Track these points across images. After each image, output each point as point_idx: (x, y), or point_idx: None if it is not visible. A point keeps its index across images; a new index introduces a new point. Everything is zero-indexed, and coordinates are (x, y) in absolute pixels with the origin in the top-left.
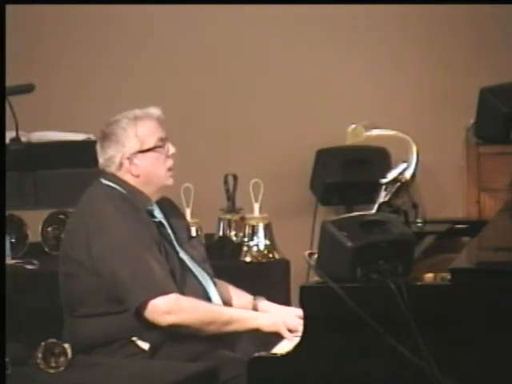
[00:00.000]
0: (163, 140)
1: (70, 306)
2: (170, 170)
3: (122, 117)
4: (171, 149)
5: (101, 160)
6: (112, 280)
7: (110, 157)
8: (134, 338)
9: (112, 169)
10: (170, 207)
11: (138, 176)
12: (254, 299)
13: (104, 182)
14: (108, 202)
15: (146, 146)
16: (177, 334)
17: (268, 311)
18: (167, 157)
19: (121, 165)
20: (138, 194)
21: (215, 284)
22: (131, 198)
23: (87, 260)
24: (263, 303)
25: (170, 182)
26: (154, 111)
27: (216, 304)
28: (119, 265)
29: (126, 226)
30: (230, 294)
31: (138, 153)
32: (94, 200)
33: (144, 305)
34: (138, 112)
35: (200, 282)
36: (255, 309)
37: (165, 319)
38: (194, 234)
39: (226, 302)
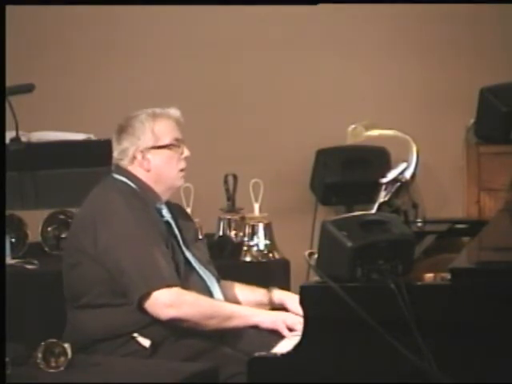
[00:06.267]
0: (179, 141)
1: (72, 296)
2: (181, 171)
3: (142, 112)
4: (186, 151)
5: (115, 153)
6: (116, 271)
7: (124, 149)
8: (135, 335)
9: (125, 162)
10: (178, 210)
11: (149, 171)
12: (268, 291)
13: (116, 176)
14: (118, 194)
15: (160, 143)
16: (178, 332)
17: (284, 300)
18: (180, 158)
19: (134, 158)
20: (148, 191)
21: (219, 285)
22: (141, 194)
23: (93, 250)
24: (277, 292)
25: (181, 182)
26: (174, 112)
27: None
28: (125, 256)
29: (134, 218)
30: (235, 294)
31: (152, 148)
32: (104, 192)
33: (146, 296)
34: (157, 110)
35: (204, 282)
36: (270, 299)
37: (165, 312)
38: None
39: (232, 302)
